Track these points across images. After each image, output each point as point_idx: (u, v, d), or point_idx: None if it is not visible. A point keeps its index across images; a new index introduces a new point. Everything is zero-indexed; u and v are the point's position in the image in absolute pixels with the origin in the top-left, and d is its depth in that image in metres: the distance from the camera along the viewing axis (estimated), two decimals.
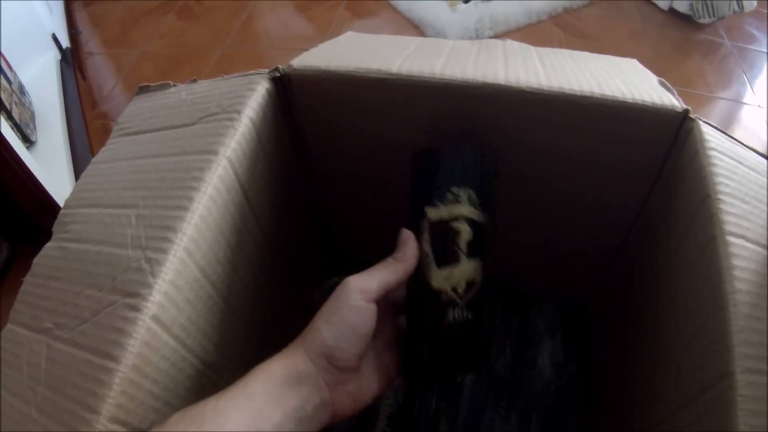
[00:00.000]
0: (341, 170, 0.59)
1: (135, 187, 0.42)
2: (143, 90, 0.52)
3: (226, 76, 0.50)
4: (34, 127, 1.34)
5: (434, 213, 0.42)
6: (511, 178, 0.55)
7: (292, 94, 0.51)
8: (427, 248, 0.41)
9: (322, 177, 0.61)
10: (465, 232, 0.41)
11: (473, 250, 0.42)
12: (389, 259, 0.42)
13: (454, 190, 0.42)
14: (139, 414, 0.34)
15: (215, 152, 0.42)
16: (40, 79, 1.52)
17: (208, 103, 0.47)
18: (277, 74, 0.49)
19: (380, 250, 0.43)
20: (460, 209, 0.42)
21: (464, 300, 0.41)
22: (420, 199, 0.43)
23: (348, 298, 0.38)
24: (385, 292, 0.40)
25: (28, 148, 1.25)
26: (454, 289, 0.41)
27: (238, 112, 0.45)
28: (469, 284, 0.41)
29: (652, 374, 0.45)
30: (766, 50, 1.66)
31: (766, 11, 1.77)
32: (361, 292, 0.39)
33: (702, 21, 1.67)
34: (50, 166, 1.24)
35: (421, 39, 0.58)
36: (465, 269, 0.41)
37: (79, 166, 1.30)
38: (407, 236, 0.42)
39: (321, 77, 0.49)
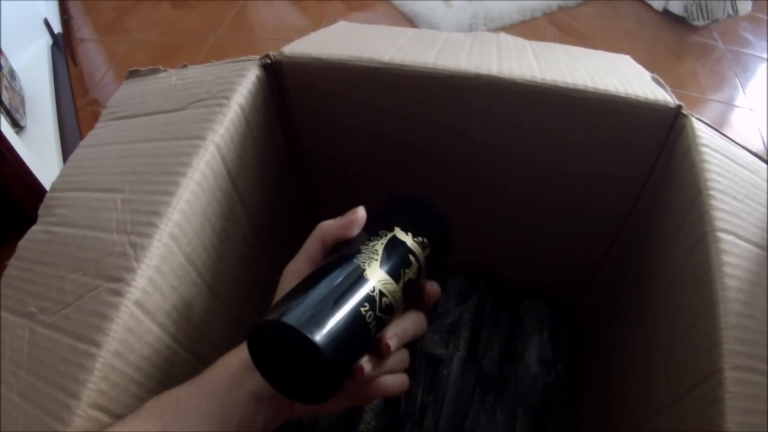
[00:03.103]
0: (332, 159, 0.59)
1: (122, 172, 0.41)
2: (134, 74, 0.51)
3: (217, 62, 0.49)
4: (24, 113, 1.33)
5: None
6: (503, 175, 0.54)
7: (283, 82, 0.50)
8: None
9: (313, 165, 0.61)
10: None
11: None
12: None
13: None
14: (122, 401, 0.34)
15: (203, 138, 0.41)
16: (31, 64, 1.51)
17: (198, 88, 0.46)
18: (268, 61, 0.48)
19: None
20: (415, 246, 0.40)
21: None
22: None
23: None
24: None
25: (17, 132, 1.23)
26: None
27: (228, 98, 0.44)
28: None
29: (640, 372, 0.45)
30: (759, 54, 1.67)
31: (764, 16, 1.78)
32: None
33: (696, 23, 1.67)
34: (39, 151, 1.23)
35: (414, 30, 0.57)
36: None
37: (68, 153, 1.28)
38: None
39: (313, 65, 0.48)
